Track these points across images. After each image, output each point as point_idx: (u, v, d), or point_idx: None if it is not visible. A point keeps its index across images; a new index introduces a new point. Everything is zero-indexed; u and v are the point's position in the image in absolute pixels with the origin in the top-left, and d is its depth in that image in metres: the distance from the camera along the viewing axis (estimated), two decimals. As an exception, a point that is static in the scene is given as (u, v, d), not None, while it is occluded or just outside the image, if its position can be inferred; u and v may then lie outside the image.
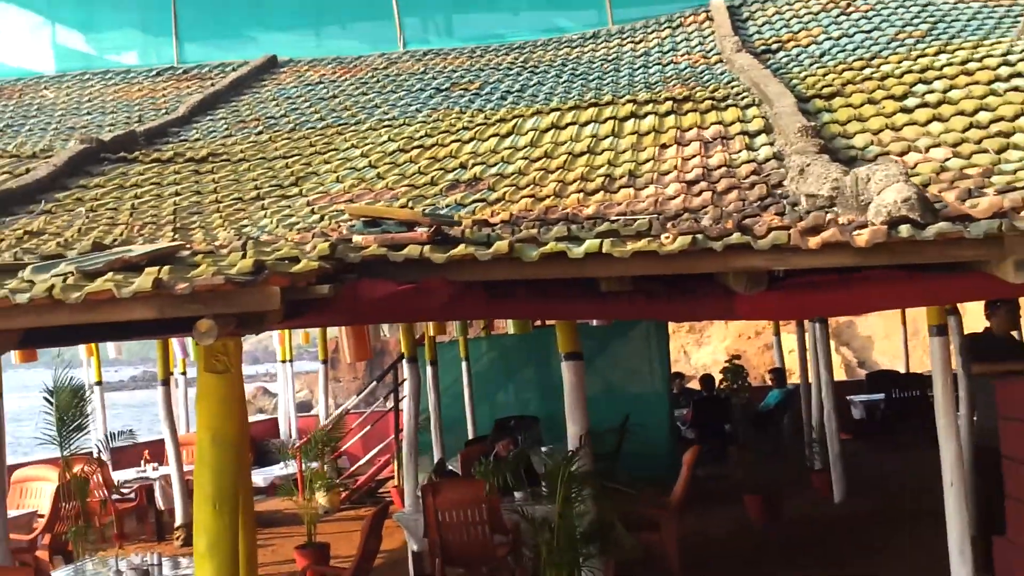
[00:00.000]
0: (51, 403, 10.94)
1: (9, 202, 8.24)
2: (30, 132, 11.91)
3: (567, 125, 8.89)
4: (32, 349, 8.72)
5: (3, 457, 13.35)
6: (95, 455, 14.40)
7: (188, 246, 5.39)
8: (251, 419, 23.39)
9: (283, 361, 20.69)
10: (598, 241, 4.98)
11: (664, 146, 7.78)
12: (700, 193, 6.28)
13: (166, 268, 4.27)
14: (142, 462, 15.42)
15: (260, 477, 16.45)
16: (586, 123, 8.85)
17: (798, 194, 5.79)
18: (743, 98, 9.05)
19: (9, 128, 12.28)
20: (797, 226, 4.85)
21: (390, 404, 18.03)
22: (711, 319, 23.84)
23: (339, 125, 10.47)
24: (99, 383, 16.58)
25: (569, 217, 5.82)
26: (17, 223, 7.60)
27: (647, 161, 7.42)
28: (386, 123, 10.24)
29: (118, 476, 14.81)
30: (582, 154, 7.85)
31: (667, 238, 4.91)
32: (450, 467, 12.84)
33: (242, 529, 5.43)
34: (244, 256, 4.56)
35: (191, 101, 12.47)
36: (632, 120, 8.74)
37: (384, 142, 9.29)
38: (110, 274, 4.29)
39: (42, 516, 11.91)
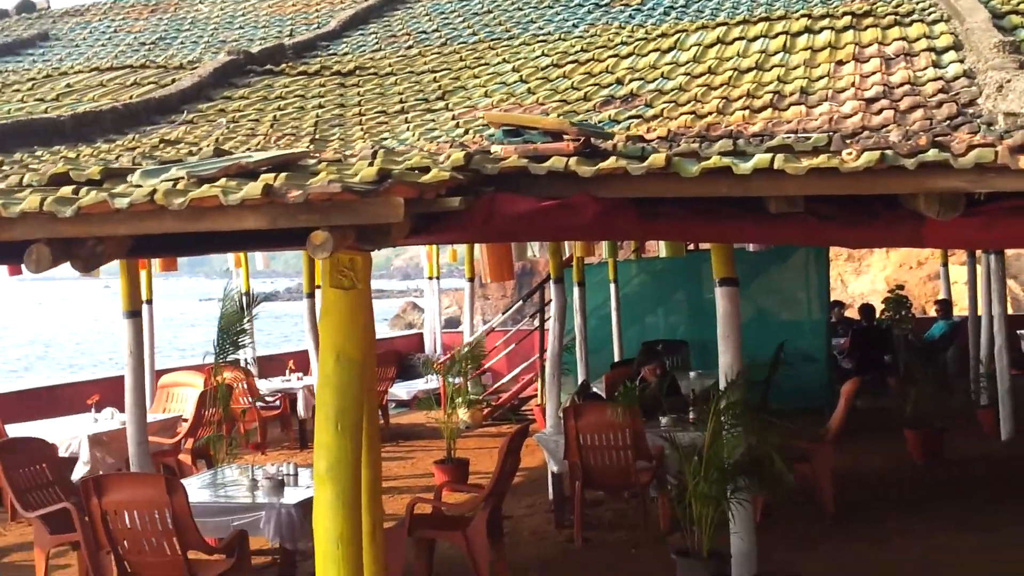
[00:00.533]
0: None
1: (152, 111, 8.13)
2: (181, 45, 11.82)
3: (734, 40, 8.29)
4: (148, 257, 8.63)
5: (149, 363, 13.63)
6: (242, 364, 14.56)
7: (314, 155, 5.00)
8: (398, 333, 23.53)
9: (430, 278, 20.61)
10: (768, 156, 4.39)
11: (840, 63, 7.13)
12: (880, 111, 5.62)
13: (282, 175, 3.87)
14: (287, 371, 15.53)
15: (403, 390, 16.68)
16: (755, 38, 8.24)
17: (995, 113, 5.10)
18: (929, 13, 8.29)
19: (161, 41, 12.21)
20: (1003, 143, 4.18)
21: (536, 323, 17.80)
22: (893, 246, 22.69)
23: (491, 40, 10.05)
24: (246, 294, 16.72)
25: (733, 134, 5.26)
26: (157, 132, 7.46)
27: (821, 78, 6.79)
28: (540, 38, 9.79)
29: (263, 385, 14.95)
30: (749, 70, 7.27)
31: (849, 154, 4.30)
32: (594, 389, 12.63)
33: (366, 451, 5.19)
34: (371, 164, 4.12)
35: (343, 16, 12.17)
36: (806, 35, 8.10)
37: (537, 57, 8.86)
38: (223, 180, 3.91)
39: (186, 420, 12.00)
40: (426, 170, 4.22)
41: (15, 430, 11.09)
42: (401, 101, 7.97)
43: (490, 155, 4.57)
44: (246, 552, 7.64)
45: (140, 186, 3.94)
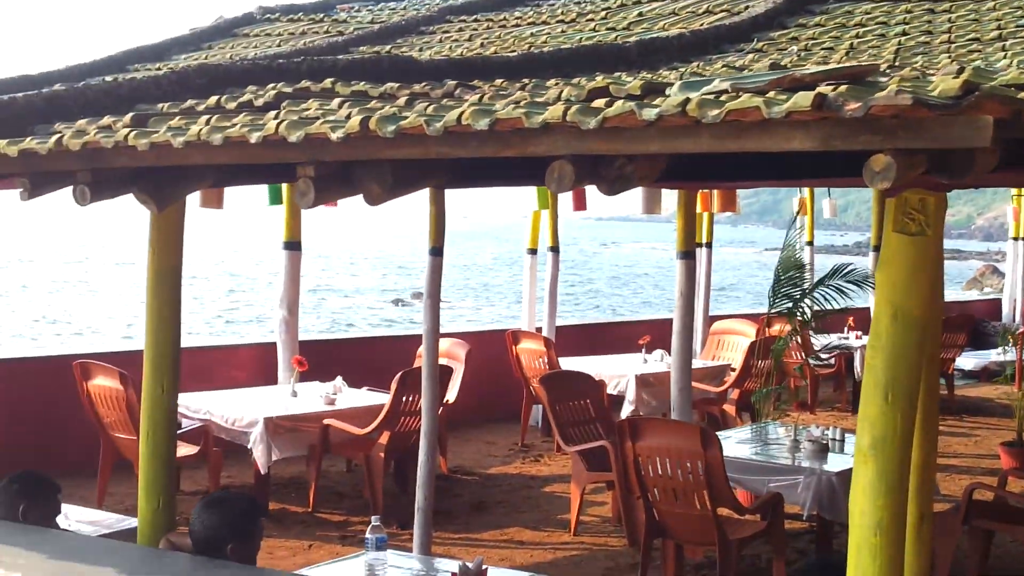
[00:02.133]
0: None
1: (720, 39, 7.73)
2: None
3: None
4: (678, 185, 8.17)
5: (703, 308, 13.41)
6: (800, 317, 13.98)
7: (886, 71, 4.25)
8: (974, 297, 21.70)
9: (1015, 238, 18.65)
10: None
11: None
12: None
13: (841, 87, 3.19)
14: (845, 328, 14.71)
15: (972, 360, 15.32)
16: None
17: None
18: None
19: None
20: None
21: None
22: None
23: None
24: (810, 243, 16.08)
25: None
26: (722, 60, 7.06)
27: None
28: None
29: (819, 341, 14.24)
30: None
31: None
32: None
33: (919, 427, 4.42)
34: (956, 78, 3.32)
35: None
36: None
37: None
38: (772, 93, 3.31)
39: (734, 370, 11.65)
40: (1025, 87, 3.35)
41: (569, 363, 11.30)
42: (999, 27, 6.95)
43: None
44: (780, 516, 7.19)
45: (668, 97, 3.44)
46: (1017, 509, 7.64)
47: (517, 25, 9.40)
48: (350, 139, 4.06)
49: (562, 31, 8.83)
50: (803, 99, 3.03)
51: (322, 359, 10.73)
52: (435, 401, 7.51)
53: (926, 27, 7.48)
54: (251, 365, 11.37)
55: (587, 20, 9.20)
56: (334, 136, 4.07)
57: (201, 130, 4.54)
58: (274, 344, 10.94)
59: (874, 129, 3.06)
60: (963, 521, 7.27)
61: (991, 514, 7.57)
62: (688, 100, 3.22)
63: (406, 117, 4.00)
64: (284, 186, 10.48)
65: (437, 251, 7.43)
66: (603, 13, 9.37)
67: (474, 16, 10.01)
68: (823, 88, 3.16)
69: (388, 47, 8.78)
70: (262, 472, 8.70)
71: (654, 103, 3.39)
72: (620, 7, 9.65)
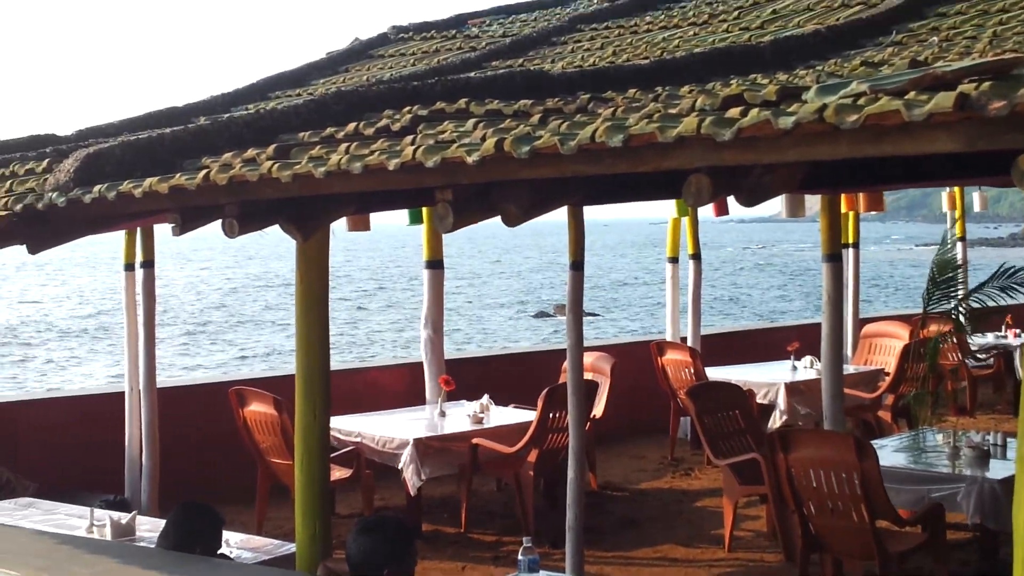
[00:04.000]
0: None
1: (858, 33, 7.57)
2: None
3: None
4: (816, 192, 7.98)
5: (852, 311, 13.09)
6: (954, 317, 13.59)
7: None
8: None
9: None
10: None
11: None
12: None
13: (985, 84, 3.07)
14: (1003, 327, 14.17)
15: None
16: None
17: None
18: None
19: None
20: None
21: None
22: None
23: None
24: (961, 238, 15.58)
25: None
26: (861, 55, 6.88)
27: None
28: None
29: (976, 341, 13.78)
30: None
31: None
32: None
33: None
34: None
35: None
36: None
37: None
38: (911, 94, 3.20)
39: (888, 374, 11.32)
40: None
41: (716, 373, 11.15)
42: None
43: None
44: (941, 527, 6.95)
45: (806, 102, 3.36)
46: None
47: (648, 30, 9.32)
48: (486, 162, 4.09)
49: (695, 34, 8.73)
50: (944, 100, 2.93)
51: (468, 377, 10.79)
52: (582, 417, 7.47)
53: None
54: (400, 386, 11.50)
55: (720, 21, 9.06)
56: (470, 159, 4.10)
57: (341, 159, 4.62)
58: (421, 364, 11.00)
59: (1021, 127, 2.95)
60: None
61: None
62: (825, 106, 3.15)
63: (540, 137, 4.00)
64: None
65: (578, 265, 7.40)
66: (736, 13, 9.23)
67: (604, 24, 9.98)
68: (965, 86, 3.05)
69: (520, 60, 8.81)
70: (412, 494, 8.75)
71: (790, 110, 3.31)
72: (753, 5, 9.48)
